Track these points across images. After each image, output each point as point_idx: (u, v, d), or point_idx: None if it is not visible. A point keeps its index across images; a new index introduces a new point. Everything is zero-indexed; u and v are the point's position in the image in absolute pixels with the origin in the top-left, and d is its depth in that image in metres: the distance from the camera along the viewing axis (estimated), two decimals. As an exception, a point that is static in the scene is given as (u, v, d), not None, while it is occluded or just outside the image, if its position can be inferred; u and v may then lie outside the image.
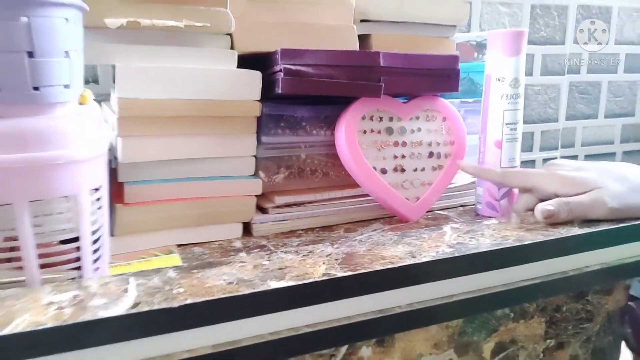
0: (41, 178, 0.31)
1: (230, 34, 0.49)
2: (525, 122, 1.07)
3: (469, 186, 0.62)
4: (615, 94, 1.16)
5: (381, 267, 0.35)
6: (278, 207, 0.53)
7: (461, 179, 0.63)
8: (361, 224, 0.55)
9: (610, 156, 1.19)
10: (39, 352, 0.28)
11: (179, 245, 0.50)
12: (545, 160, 1.09)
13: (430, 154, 0.56)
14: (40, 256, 0.33)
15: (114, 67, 0.45)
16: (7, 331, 0.28)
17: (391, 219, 0.57)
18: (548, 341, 0.47)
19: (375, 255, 0.38)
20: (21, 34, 0.29)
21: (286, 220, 0.53)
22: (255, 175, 0.52)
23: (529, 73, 1.04)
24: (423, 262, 0.36)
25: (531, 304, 0.45)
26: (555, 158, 0.96)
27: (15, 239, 0.32)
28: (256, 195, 0.52)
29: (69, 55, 0.32)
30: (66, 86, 0.32)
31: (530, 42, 1.03)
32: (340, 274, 0.34)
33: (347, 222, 0.56)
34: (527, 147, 1.07)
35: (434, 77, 0.55)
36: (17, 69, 0.29)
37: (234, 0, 0.49)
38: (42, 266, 0.34)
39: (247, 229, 0.53)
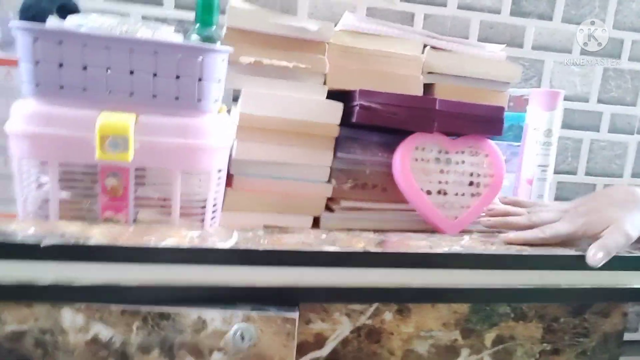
0: (192, 157, 0.50)
1: (324, 74, 0.67)
2: (588, 174, 1.14)
3: (506, 216, 0.73)
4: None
5: (403, 251, 0.49)
6: (342, 208, 0.68)
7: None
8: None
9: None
10: (177, 261, 0.46)
11: (264, 226, 0.67)
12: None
13: (471, 183, 0.69)
14: (181, 207, 0.51)
15: (239, 90, 0.64)
16: (162, 245, 0.46)
17: (432, 232, 0.69)
18: (544, 345, 0.58)
19: (404, 244, 0.52)
20: (197, 67, 0.48)
21: (347, 219, 0.68)
22: (329, 181, 0.68)
23: (596, 129, 1.11)
24: (436, 252, 0.50)
25: (530, 308, 0.56)
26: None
27: (169, 194, 0.51)
28: (327, 197, 0.68)
29: (220, 81, 0.51)
30: (216, 100, 0.51)
31: (599, 101, 1.11)
32: (373, 250, 0.49)
33: (395, 229, 0.70)
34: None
35: (480, 122, 0.68)
36: (191, 87, 0.48)
37: (330, 50, 0.67)
38: (181, 214, 0.52)
39: (316, 222, 0.68)
